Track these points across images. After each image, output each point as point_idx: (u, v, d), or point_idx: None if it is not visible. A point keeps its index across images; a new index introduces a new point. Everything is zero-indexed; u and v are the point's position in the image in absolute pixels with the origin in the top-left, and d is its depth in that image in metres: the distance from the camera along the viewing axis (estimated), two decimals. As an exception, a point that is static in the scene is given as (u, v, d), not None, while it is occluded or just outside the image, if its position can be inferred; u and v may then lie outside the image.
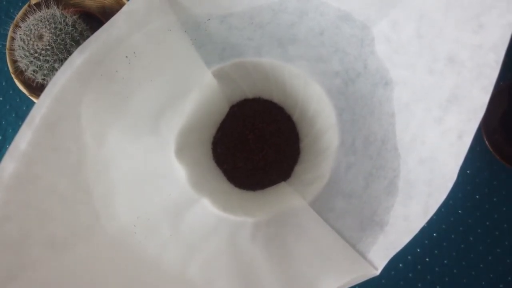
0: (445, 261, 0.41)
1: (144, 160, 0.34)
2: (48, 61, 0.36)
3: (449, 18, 0.28)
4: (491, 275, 0.41)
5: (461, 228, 0.42)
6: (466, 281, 0.41)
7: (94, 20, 0.41)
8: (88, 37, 0.30)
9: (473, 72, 0.27)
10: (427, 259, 0.42)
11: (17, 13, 0.39)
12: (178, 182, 0.35)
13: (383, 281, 0.42)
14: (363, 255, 0.32)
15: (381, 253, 0.31)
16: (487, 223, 0.42)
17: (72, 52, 0.32)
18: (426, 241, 0.42)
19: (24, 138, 0.28)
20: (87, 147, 0.31)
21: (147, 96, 0.33)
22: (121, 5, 0.41)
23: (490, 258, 0.41)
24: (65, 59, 0.35)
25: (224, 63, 0.37)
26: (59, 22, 0.36)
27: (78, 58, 0.29)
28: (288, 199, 0.36)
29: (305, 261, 0.32)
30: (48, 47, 0.35)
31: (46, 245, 0.29)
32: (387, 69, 0.32)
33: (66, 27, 0.36)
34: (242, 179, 0.41)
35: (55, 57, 0.36)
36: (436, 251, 0.42)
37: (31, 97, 0.39)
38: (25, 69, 0.37)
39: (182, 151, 0.36)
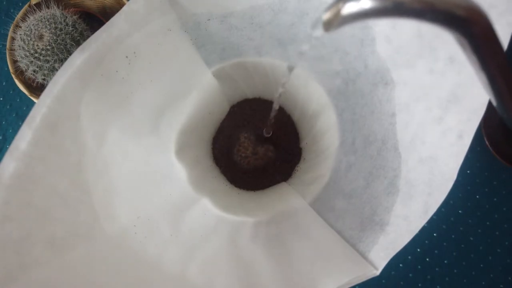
0: (445, 261, 0.41)
1: (144, 160, 0.34)
2: (48, 61, 0.36)
3: (449, 18, 0.28)
4: (491, 275, 0.41)
5: (461, 228, 0.42)
6: (466, 281, 0.41)
7: (94, 20, 0.41)
8: (88, 37, 0.30)
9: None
10: (427, 259, 0.42)
11: (17, 13, 0.39)
12: (178, 182, 0.35)
13: (383, 281, 0.42)
14: (363, 255, 0.32)
15: (381, 253, 0.31)
16: (487, 223, 0.42)
17: (72, 52, 0.32)
18: (426, 241, 0.42)
19: (24, 138, 0.28)
20: (87, 147, 0.31)
21: (147, 96, 0.33)
22: (121, 5, 0.41)
23: (490, 258, 0.41)
24: (65, 59, 0.35)
25: (224, 63, 0.37)
26: (59, 22, 0.36)
27: (78, 58, 0.29)
28: (288, 199, 0.36)
29: (305, 261, 0.32)
30: (48, 47, 0.35)
31: (46, 245, 0.29)
32: (388, 69, 0.32)
33: (66, 27, 0.36)
34: (242, 179, 0.41)
35: (55, 57, 0.36)
36: (436, 251, 0.42)
37: (31, 97, 0.39)
38: (26, 69, 0.37)
39: (182, 151, 0.36)
